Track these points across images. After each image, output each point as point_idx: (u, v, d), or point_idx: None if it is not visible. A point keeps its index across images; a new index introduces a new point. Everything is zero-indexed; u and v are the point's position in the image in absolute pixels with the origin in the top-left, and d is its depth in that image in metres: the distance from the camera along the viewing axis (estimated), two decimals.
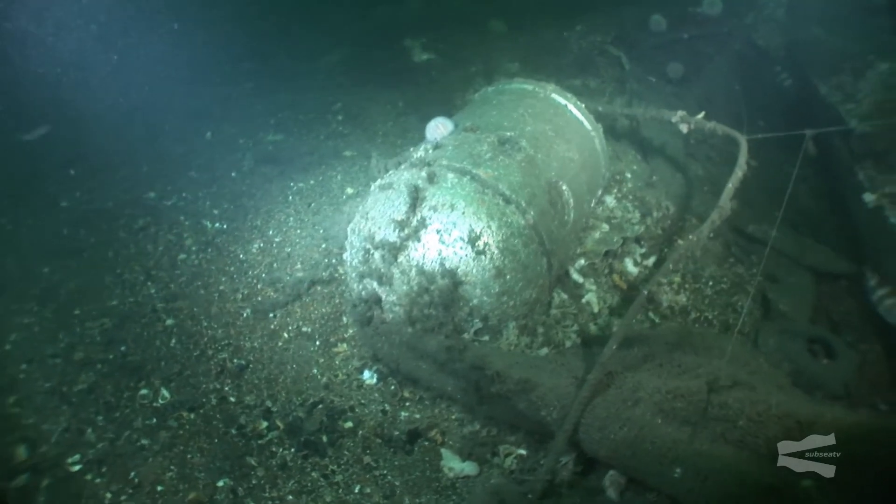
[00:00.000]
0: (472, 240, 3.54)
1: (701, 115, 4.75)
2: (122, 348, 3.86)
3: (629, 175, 5.65)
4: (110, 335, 3.95)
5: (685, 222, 5.34)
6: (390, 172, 4.03)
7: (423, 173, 3.74)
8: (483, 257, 3.55)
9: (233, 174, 5.63)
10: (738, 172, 4.12)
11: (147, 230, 4.90)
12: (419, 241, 3.57)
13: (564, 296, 4.25)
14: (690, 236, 3.66)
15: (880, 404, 4.17)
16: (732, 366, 3.31)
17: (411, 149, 4.30)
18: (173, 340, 3.92)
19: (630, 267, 4.72)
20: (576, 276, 4.41)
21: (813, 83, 6.07)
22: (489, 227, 3.57)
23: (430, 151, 4.03)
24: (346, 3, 8.25)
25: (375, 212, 3.77)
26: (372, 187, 4.08)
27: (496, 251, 3.57)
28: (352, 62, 7.50)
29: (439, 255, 3.55)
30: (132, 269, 4.51)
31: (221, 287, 4.34)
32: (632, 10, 6.84)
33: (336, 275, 4.43)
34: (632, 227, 4.86)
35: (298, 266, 4.46)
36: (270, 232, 4.84)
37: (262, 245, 4.71)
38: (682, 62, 6.66)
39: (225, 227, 4.96)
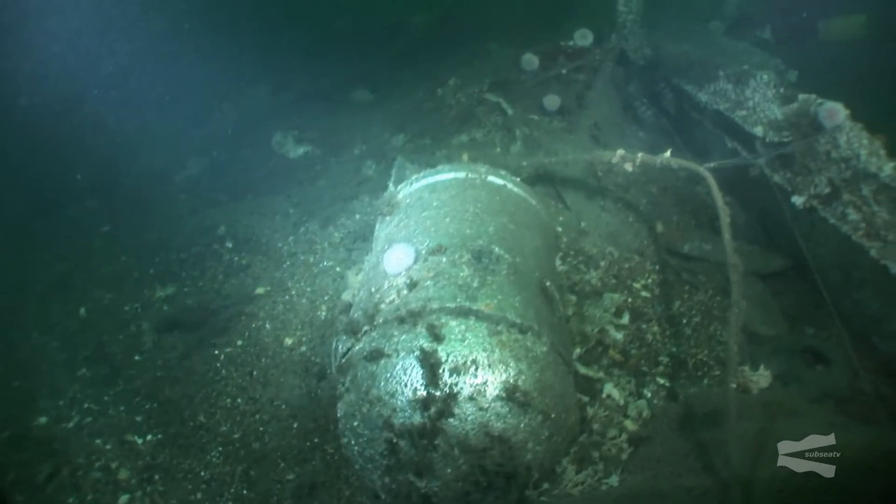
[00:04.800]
0: (511, 394, 3.06)
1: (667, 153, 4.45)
2: None
3: (560, 228, 5.47)
4: None
5: (630, 262, 5.23)
6: (368, 332, 3.41)
7: (422, 330, 3.19)
8: (527, 409, 3.09)
9: (136, 358, 4.57)
10: (725, 217, 3.89)
11: (58, 477, 3.76)
12: (453, 416, 3.02)
13: (585, 399, 3.91)
14: (730, 311, 3.48)
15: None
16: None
17: (371, 289, 3.69)
18: None
19: (614, 333, 4.49)
20: (583, 370, 4.09)
21: (687, 91, 6.32)
22: (521, 371, 3.12)
23: (407, 293, 3.47)
24: (177, 108, 7.20)
25: (379, 391, 3.14)
26: (349, 354, 3.42)
27: (536, 395, 3.13)
28: (216, 172, 6.54)
29: (480, 423, 3.03)
30: None
31: None
32: (502, 53, 6.67)
33: (327, 458, 3.70)
34: (610, 297, 4.64)
35: (282, 465, 3.66)
36: (223, 427, 3.94)
37: (221, 449, 3.82)
38: (563, 94, 6.64)
39: (160, 436, 3.97)
